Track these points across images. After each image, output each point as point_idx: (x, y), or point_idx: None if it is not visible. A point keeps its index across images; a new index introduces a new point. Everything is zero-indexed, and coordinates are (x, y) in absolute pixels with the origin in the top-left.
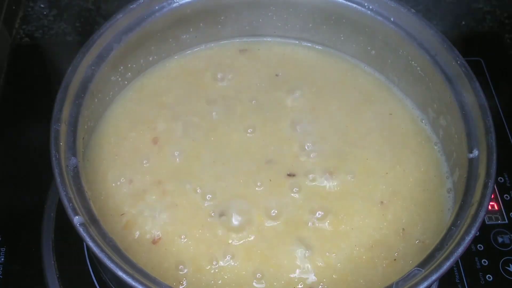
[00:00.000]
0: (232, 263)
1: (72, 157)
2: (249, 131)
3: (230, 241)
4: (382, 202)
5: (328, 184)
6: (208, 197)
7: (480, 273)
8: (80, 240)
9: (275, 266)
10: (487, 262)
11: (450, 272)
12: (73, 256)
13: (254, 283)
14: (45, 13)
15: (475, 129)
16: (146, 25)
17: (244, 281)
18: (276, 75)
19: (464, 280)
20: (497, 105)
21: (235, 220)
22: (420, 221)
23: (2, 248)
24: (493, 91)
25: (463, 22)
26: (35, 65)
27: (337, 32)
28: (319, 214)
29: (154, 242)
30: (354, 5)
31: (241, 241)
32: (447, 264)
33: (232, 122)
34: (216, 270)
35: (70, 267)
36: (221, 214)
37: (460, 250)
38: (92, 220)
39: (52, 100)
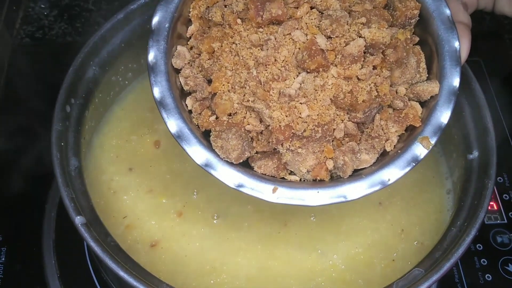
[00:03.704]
0: (232, 265)
1: (74, 157)
2: None
3: (230, 243)
4: (380, 203)
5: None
6: (210, 200)
7: (479, 273)
8: (81, 240)
9: (275, 266)
10: (486, 261)
11: (449, 272)
12: (74, 256)
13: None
14: (45, 13)
15: (475, 130)
16: (147, 25)
17: (243, 283)
18: None
19: (464, 279)
20: (497, 106)
21: (235, 223)
22: (419, 222)
23: (2, 248)
24: (492, 91)
25: None
26: (35, 65)
27: None
28: (318, 214)
29: (153, 245)
30: None
31: (241, 243)
32: (448, 265)
33: None
34: (216, 273)
35: (70, 267)
36: (222, 217)
37: (460, 250)
38: (94, 220)
39: (53, 100)
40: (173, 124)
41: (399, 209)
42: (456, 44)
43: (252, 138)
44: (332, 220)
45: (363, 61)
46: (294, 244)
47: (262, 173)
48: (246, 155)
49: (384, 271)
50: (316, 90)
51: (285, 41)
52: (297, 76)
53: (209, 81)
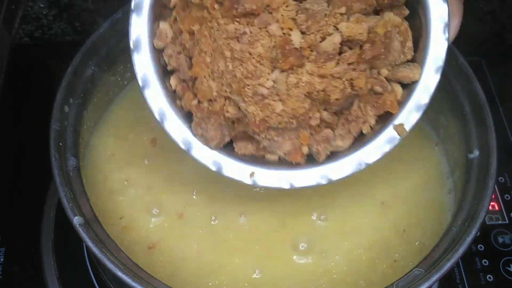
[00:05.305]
0: (231, 267)
1: (72, 158)
2: None
3: (228, 244)
4: (382, 202)
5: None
6: (207, 200)
7: (481, 274)
8: (80, 240)
9: (275, 267)
10: (487, 262)
11: (450, 273)
12: (72, 256)
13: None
14: (44, 12)
15: (476, 129)
16: None
17: (243, 285)
18: None
19: (465, 280)
20: (498, 105)
21: (234, 224)
22: (420, 222)
23: (1, 248)
24: (493, 91)
25: (463, 22)
26: (34, 65)
27: None
28: (319, 214)
29: (151, 247)
30: None
31: (240, 244)
32: (448, 265)
33: None
34: (215, 275)
35: (69, 267)
36: (221, 218)
37: (461, 250)
38: (92, 220)
39: (52, 100)
40: (156, 105)
41: (401, 209)
42: (446, 20)
43: (233, 122)
44: (334, 219)
45: (339, 56)
46: (295, 245)
47: (242, 154)
48: (226, 140)
49: (386, 272)
50: (289, 89)
51: (261, 35)
52: (272, 72)
53: (191, 60)
